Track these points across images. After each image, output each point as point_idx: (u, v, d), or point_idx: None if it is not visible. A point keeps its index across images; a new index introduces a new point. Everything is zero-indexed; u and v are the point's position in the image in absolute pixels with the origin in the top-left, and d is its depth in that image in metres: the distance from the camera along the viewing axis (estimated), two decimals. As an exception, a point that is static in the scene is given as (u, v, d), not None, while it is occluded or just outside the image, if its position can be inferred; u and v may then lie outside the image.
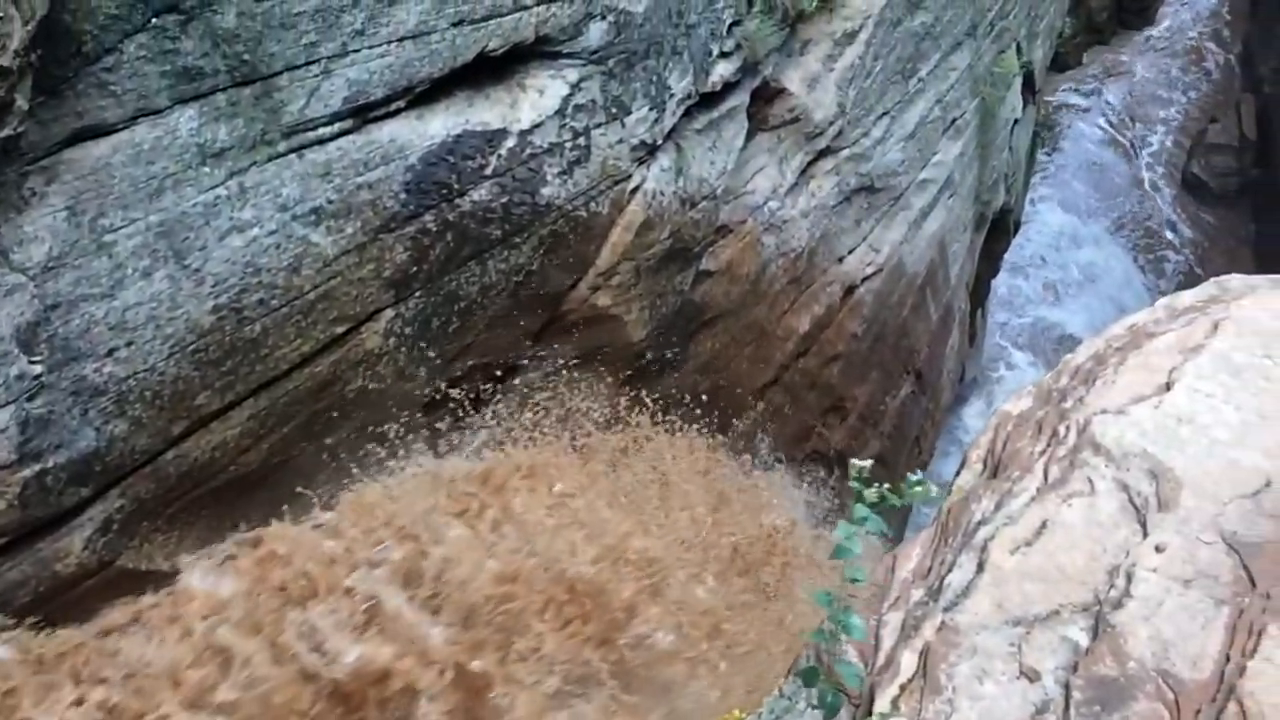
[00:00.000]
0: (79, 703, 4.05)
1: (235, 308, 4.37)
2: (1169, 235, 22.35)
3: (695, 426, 8.05)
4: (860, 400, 11.45)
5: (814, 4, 7.92)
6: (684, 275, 7.57)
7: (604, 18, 5.95)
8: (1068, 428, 3.22)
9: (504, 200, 5.67)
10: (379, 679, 4.74)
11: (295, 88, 4.38)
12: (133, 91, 3.79)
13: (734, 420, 8.92)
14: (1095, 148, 23.66)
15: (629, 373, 7.46)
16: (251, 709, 4.38)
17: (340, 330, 4.96)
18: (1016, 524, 2.92)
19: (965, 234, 13.57)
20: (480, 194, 5.51)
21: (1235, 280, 4.01)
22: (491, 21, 5.25)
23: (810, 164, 9.10)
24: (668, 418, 7.82)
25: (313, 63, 4.42)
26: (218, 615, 4.50)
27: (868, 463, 2.53)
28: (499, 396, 6.47)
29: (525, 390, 6.62)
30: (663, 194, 6.94)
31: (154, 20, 3.80)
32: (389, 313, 5.23)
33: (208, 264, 4.19)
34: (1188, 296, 3.98)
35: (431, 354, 5.60)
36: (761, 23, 7.41)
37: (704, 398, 8.41)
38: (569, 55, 5.86)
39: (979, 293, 17.47)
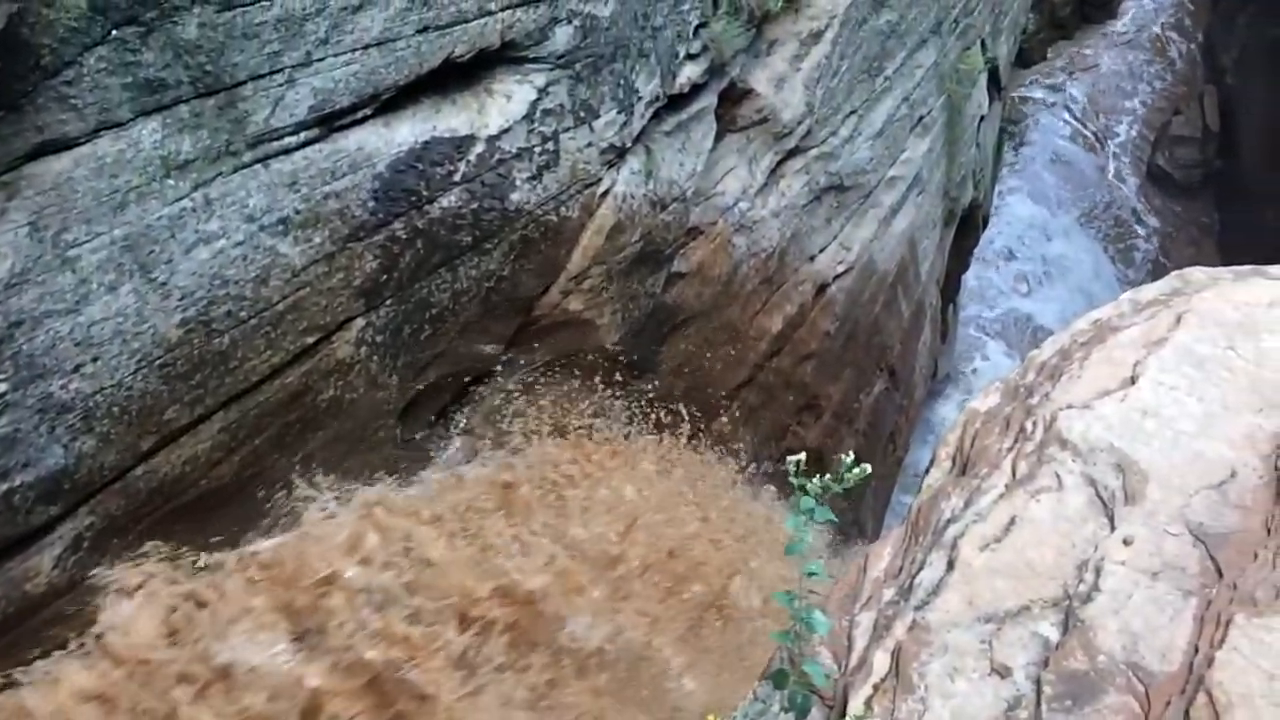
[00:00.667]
0: None
1: (203, 320, 4.32)
2: (1136, 227, 22.57)
3: (670, 429, 8.06)
4: (834, 398, 11.49)
5: (779, 4, 7.94)
6: (655, 278, 7.57)
7: (570, 22, 5.94)
8: (1034, 424, 3.23)
9: (473, 206, 5.65)
10: None
11: (259, 97, 4.34)
12: (94, 105, 3.74)
13: (709, 421, 8.93)
14: (1061, 142, 23.86)
15: (603, 377, 7.45)
16: None
17: (311, 340, 4.92)
18: (985, 521, 2.93)
19: (935, 230, 13.65)
20: (449, 200, 5.48)
21: (1198, 273, 4.05)
22: (457, 27, 5.23)
23: (779, 164, 9.12)
24: (642, 420, 7.83)
25: (277, 72, 4.39)
26: None
27: (801, 456, 2.53)
28: (473, 403, 6.44)
29: (500, 397, 6.60)
30: (633, 197, 6.94)
31: (114, 32, 3.75)
32: (360, 322, 5.20)
33: (174, 277, 4.15)
34: (1151, 290, 4.02)
35: (404, 362, 5.57)
36: (727, 24, 7.43)
37: (678, 400, 8.42)
38: (535, 60, 5.84)
39: (949, 288, 17.58)
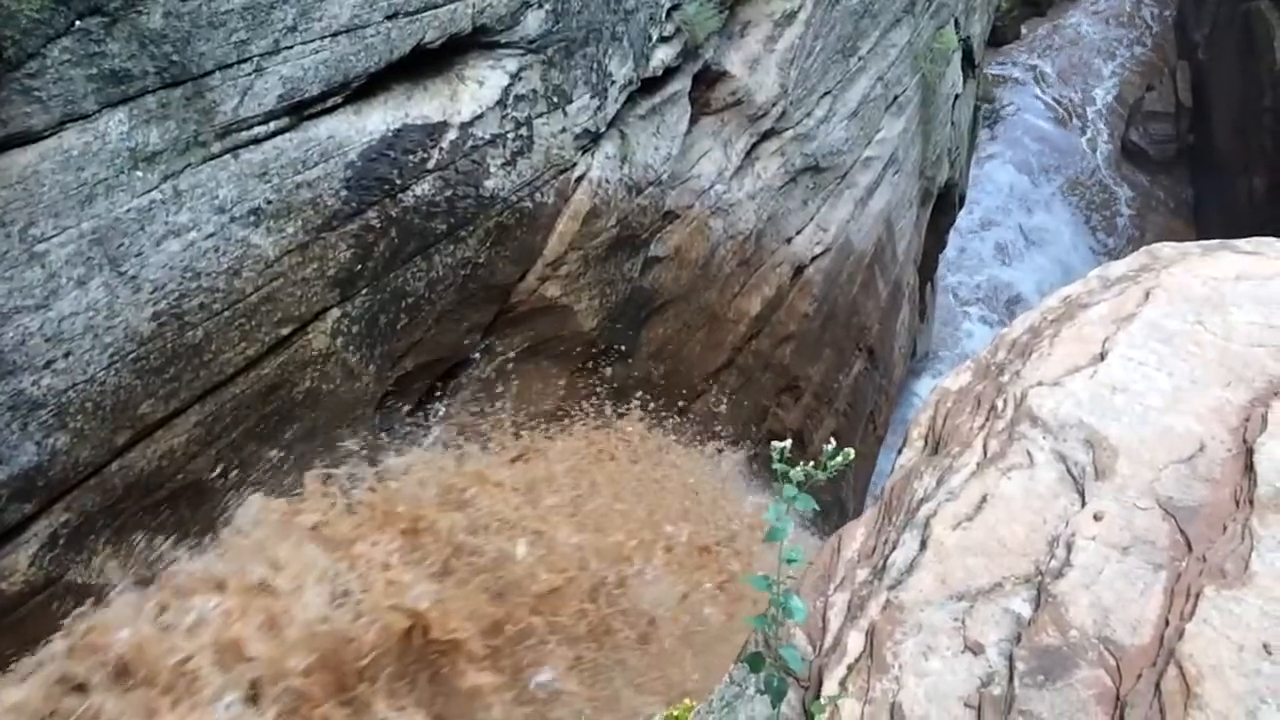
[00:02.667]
0: None
1: (176, 313, 4.28)
2: (1111, 202, 22.70)
3: (650, 412, 8.06)
4: (814, 379, 11.52)
5: (752, -15, 7.90)
6: (633, 262, 7.56)
7: (541, 6, 5.90)
8: (1005, 401, 3.24)
9: (447, 194, 5.62)
10: None
11: (227, 87, 4.29)
12: (59, 97, 3.69)
13: (689, 404, 8.94)
14: (1037, 119, 23.95)
15: (582, 362, 7.44)
16: None
17: (285, 331, 4.89)
18: (957, 499, 2.93)
19: (911, 210, 13.68)
20: (423, 188, 5.45)
21: (1166, 248, 4.06)
22: (427, 13, 5.19)
23: (755, 146, 9.11)
24: (622, 405, 7.82)
25: (244, 61, 4.34)
26: None
27: (787, 443, 2.53)
28: (452, 391, 6.42)
29: (478, 384, 6.58)
30: (608, 181, 6.91)
31: (78, 23, 3.70)
32: (335, 312, 5.16)
33: (145, 270, 4.11)
34: (1120, 266, 4.03)
35: (380, 352, 5.55)
36: (700, 6, 7.39)
37: (658, 384, 8.42)
38: (507, 45, 5.80)
39: (927, 267, 17.65)
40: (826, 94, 10.04)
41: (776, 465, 2.48)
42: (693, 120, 8.13)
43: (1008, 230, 21.77)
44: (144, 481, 4.40)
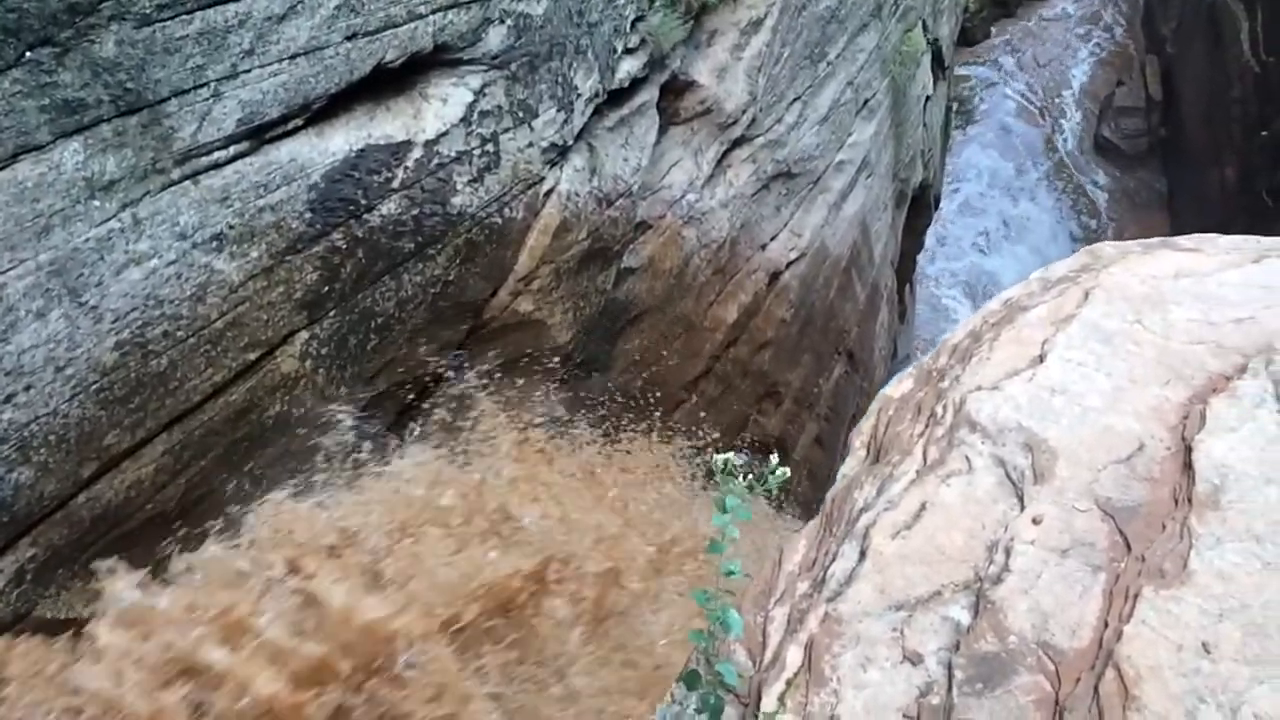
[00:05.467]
0: None
1: (139, 342, 4.25)
2: (1085, 198, 22.83)
3: (627, 423, 8.04)
4: (794, 385, 11.53)
5: (716, -6, 7.92)
6: (606, 275, 7.55)
7: (503, 22, 5.89)
8: (945, 407, 3.21)
9: (414, 212, 5.60)
10: None
11: (185, 113, 4.27)
12: (10, 129, 3.66)
13: (669, 414, 8.93)
14: (1009, 118, 24.09)
15: (557, 376, 7.42)
16: None
17: (253, 356, 4.85)
18: (896, 508, 2.91)
19: (886, 212, 13.73)
20: (389, 208, 5.43)
21: (1107, 247, 4.05)
22: (386, 33, 5.17)
23: (726, 154, 9.13)
24: (599, 417, 7.81)
25: (201, 86, 4.31)
26: None
27: (729, 454, 2.52)
28: (425, 410, 6.39)
29: (452, 402, 6.55)
30: (578, 195, 6.91)
31: (28, 54, 3.67)
32: (303, 335, 5.13)
33: (105, 300, 4.07)
34: (1060, 267, 4.01)
35: (351, 373, 5.51)
36: (665, 17, 7.40)
37: (636, 394, 8.41)
38: (470, 61, 5.79)
39: (905, 269, 17.71)
40: (796, 100, 10.07)
41: (719, 476, 2.47)
42: (662, 130, 8.14)
43: (987, 223, 21.85)
44: (112, 513, 4.36)
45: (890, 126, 13.01)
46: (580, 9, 6.54)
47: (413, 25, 5.31)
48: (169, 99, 4.19)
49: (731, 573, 2.43)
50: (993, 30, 25.52)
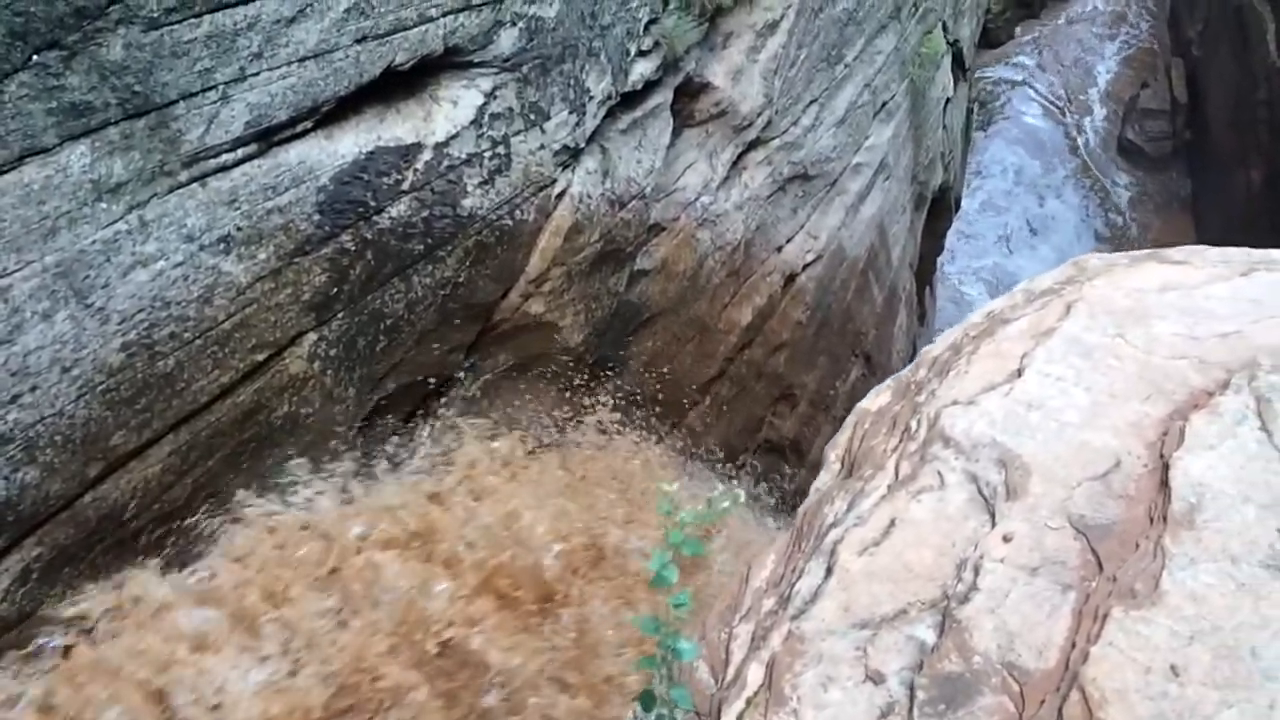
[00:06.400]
0: None
1: (145, 343, 4.27)
2: (1109, 200, 22.65)
3: (640, 425, 8.03)
4: (810, 387, 11.48)
5: (731, -3, 7.90)
6: (618, 277, 7.54)
7: (514, 24, 5.89)
8: (919, 422, 3.14)
9: (424, 214, 5.60)
10: None
11: (192, 116, 4.28)
12: (17, 132, 3.68)
13: (682, 416, 8.92)
14: (1031, 120, 23.93)
15: (569, 378, 7.42)
16: None
17: (261, 358, 4.87)
18: (866, 524, 2.84)
19: (904, 215, 13.66)
20: (398, 210, 5.44)
21: (1094, 259, 3.95)
22: (397, 35, 5.18)
23: (741, 156, 9.10)
24: (611, 419, 7.79)
25: (209, 89, 4.33)
26: None
27: (674, 486, 2.49)
28: (436, 412, 6.40)
29: (462, 404, 6.56)
30: (590, 197, 6.90)
31: (35, 58, 3.69)
32: (312, 336, 5.15)
33: (112, 301, 4.09)
34: (1046, 279, 3.92)
35: (360, 374, 5.53)
36: (679, 19, 7.39)
37: (649, 397, 8.40)
38: (481, 64, 5.79)
39: (925, 271, 17.62)
40: (813, 102, 10.04)
41: (662, 510, 2.43)
42: (676, 133, 8.12)
43: (1001, 242, 21.72)
44: (119, 513, 4.39)
45: (909, 128, 12.94)
46: (593, 11, 6.54)
47: (423, 28, 5.31)
48: (177, 102, 4.21)
49: (680, 605, 2.40)
50: (1017, 31, 25.35)
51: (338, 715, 4.63)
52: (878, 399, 3.66)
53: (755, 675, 2.57)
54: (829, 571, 2.77)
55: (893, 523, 2.80)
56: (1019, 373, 3.23)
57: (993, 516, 2.75)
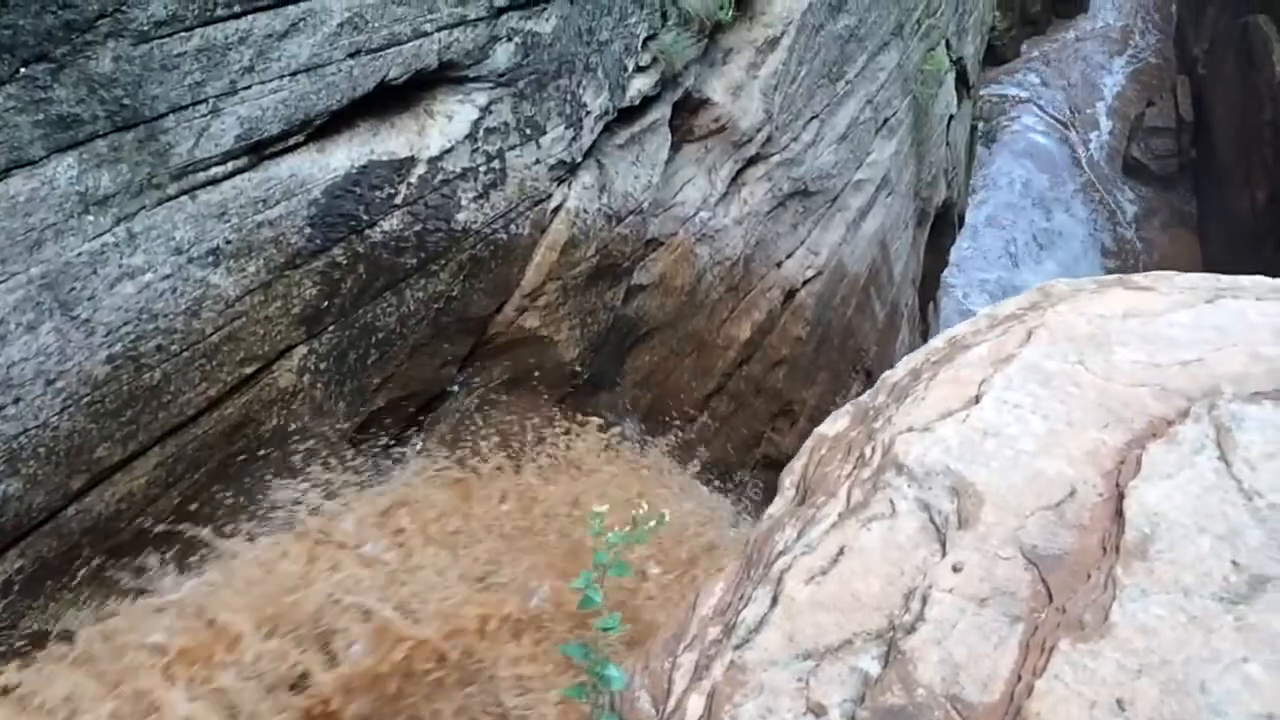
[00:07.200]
0: None
1: (131, 356, 4.26)
2: (1113, 218, 22.61)
3: (635, 440, 8.01)
4: (809, 403, 11.45)
5: (730, 14, 7.90)
6: (614, 291, 7.53)
7: (510, 40, 5.90)
8: (874, 449, 3.09)
9: (417, 228, 5.60)
10: None
11: (182, 129, 4.28)
12: (3, 144, 3.67)
13: (679, 431, 8.89)
14: (1038, 137, 23.91)
15: (564, 392, 7.41)
16: None
17: (249, 371, 4.86)
18: (814, 552, 2.79)
19: (907, 231, 13.64)
20: (391, 224, 5.43)
21: (1060, 284, 3.88)
22: (391, 50, 5.18)
23: (740, 172, 9.10)
24: (607, 434, 7.77)
25: (200, 102, 4.33)
26: None
27: (604, 508, 2.46)
28: (428, 425, 6.39)
29: (455, 417, 6.55)
30: (586, 211, 6.89)
31: (22, 70, 3.70)
32: (301, 349, 5.14)
33: (98, 313, 4.09)
34: (1010, 304, 3.86)
35: (351, 388, 5.52)
36: (677, 36, 7.39)
37: (645, 411, 8.38)
38: (476, 79, 5.79)
39: (928, 287, 17.59)
40: (814, 118, 10.03)
41: (591, 532, 2.41)
42: (675, 148, 8.12)
43: (1007, 256, 21.69)
44: (103, 525, 4.37)
45: (911, 145, 12.93)
46: (590, 27, 6.54)
47: (417, 43, 5.32)
48: (166, 115, 4.21)
49: (609, 629, 2.36)
50: (1023, 48, 25.36)
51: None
52: (836, 424, 3.61)
53: (696, 706, 2.52)
54: (774, 600, 2.72)
55: (842, 551, 2.75)
56: (977, 399, 3.17)
57: (943, 546, 2.69)
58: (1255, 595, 2.34)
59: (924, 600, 2.56)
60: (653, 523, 2.46)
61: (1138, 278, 3.85)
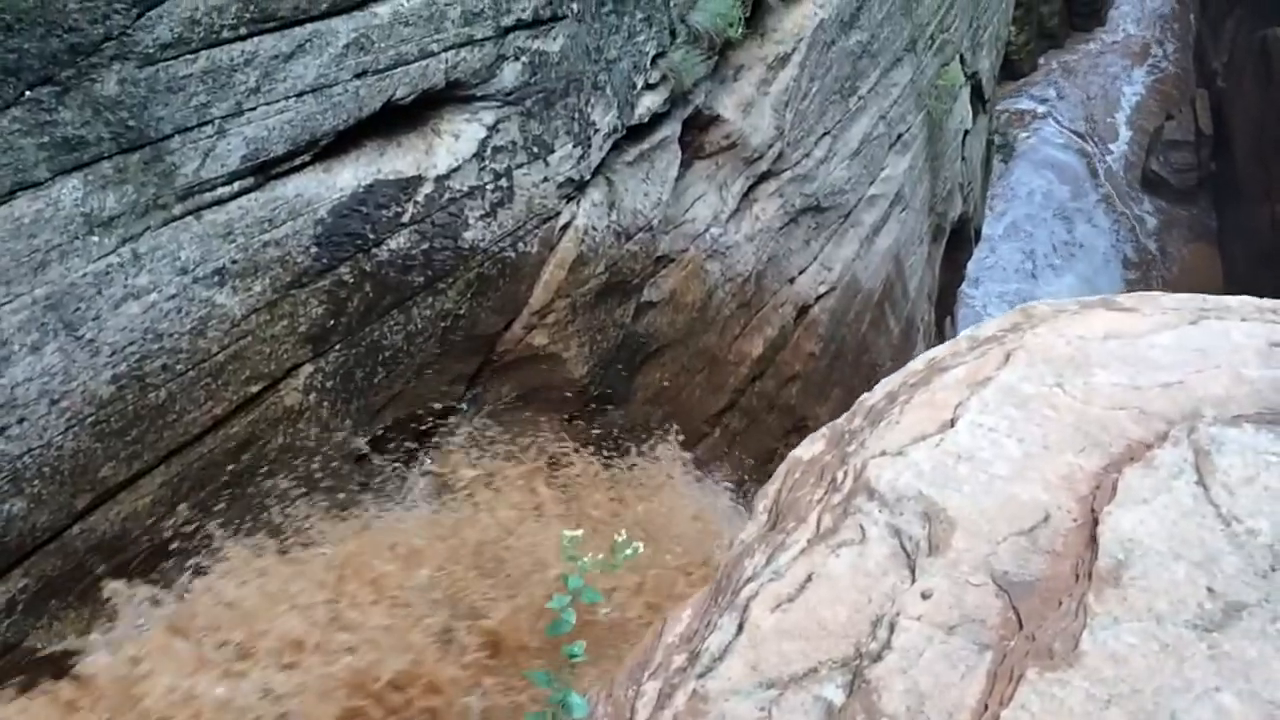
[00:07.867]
0: None
1: (136, 375, 4.28)
2: (1133, 232, 22.47)
3: (645, 456, 7.98)
4: (823, 419, 11.32)
5: (740, 31, 7.90)
6: (624, 308, 7.52)
7: (517, 59, 5.91)
8: (846, 473, 3.04)
9: (424, 247, 5.61)
10: None
11: (188, 150, 4.31)
12: (8, 166, 3.72)
13: (691, 448, 8.85)
14: (1055, 151, 23.81)
15: (573, 410, 7.39)
16: None
17: (255, 389, 4.88)
18: (782, 579, 2.73)
19: (921, 246, 13.59)
20: (398, 242, 5.45)
21: (1041, 306, 3.79)
22: (397, 70, 5.21)
23: (752, 188, 9.08)
24: (617, 451, 7.75)
25: (205, 124, 4.36)
26: None
27: (579, 532, 2.44)
28: (435, 443, 6.39)
29: (463, 436, 6.54)
30: (595, 229, 6.89)
31: (28, 93, 3.73)
32: (308, 368, 5.15)
33: (102, 333, 4.11)
34: (990, 326, 3.77)
35: (357, 406, 5.53)
36: (686, 54, 7.39)
37: (656, 429, 8.35)
38: (483, 98, 5.81)
39: (945, 302, 17.51)
40: (826, 134, 10.02)
41: (565, 557, 2.39)
42: (685, 165, 8.11)
43: (1026, 269, 21.59)
44: (108, 544, 4.39)
45: (926, 160, 12.89)
46: (599, 46, 6.56)
47: (424, 63, 5.34)
48: (172, 136, 4.24)
49: (574, 656, 2.34)
50: (1040, 62, 25.28)
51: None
52: (811, 447, 3.57)
53: (656, 735, 2.49)
54: (740, 628, 2.67)
55: (810, 577, 2.69)
56: (952, 423, 3.10)
57: (913, 572, 2.64)
58: (1230, 623, 2.29)
59: (891, 628, 2.51)
60: (628, 551, 2.43)
61: (1121, 298, 3.77)
